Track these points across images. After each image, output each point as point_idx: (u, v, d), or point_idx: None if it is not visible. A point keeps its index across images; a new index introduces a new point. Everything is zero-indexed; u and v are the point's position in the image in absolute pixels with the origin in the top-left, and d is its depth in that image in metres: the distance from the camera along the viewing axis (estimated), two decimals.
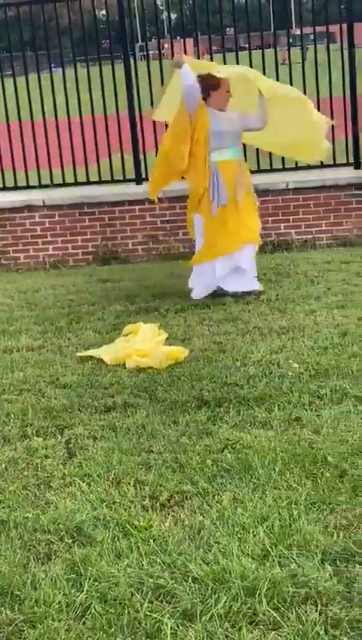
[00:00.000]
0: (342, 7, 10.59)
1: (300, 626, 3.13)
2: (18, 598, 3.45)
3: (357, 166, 10.37)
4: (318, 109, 10.06)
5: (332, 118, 10.06)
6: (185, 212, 10.15)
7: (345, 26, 10.29)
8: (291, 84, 9.78)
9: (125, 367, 6.11)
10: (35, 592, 3.47)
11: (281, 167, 10.45)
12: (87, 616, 3.30)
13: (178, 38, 13.93)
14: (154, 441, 4.85)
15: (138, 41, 22.90)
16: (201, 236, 7.97)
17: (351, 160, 10.40)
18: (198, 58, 10.43)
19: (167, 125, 8.61)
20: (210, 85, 7.78)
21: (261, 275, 8.16)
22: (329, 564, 3.50)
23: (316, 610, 3.22)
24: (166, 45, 13.84)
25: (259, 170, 10.21)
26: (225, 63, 10.06)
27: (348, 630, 3.11)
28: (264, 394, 5.38)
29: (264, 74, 9.15)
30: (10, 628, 3.26)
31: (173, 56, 10.50)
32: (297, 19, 14.93)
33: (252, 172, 8.84)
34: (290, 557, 3.56)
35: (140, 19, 13.34)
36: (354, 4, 10.41)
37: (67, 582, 3.51)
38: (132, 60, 10.69)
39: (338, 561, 3.53)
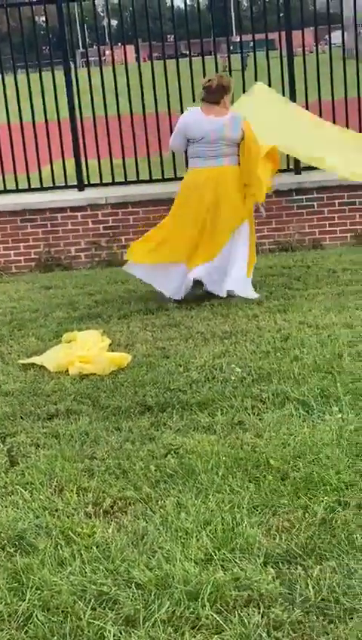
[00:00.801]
0: (281, 14, 10.70)
1: (243, 629, 3.14)
2: None
3: (297, 172, 10.45)
4: None
5: None
6: (127, 218, 10.20)
7: (283, 33, 10.39)
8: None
9: (68, 374, 6.08)
10: None
11: None
12: (29, 625, 3.27)
13: (119, 44, 13.93)
14: (98, 447, 4.83)
15: (79, 48, 22.86)
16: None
17: (292, 166, 10.49)
18: (139, 64, 10.44)
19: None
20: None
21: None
22: (272, 567, 3.51)
23: (258, 613, 3.23)
24: (107, 52, 13.82)
25: None
26: (165, 69, 10.10)
27: (290, 632, 3.12)
28: (207, 399, 5.39)
29: None
30: None
31: (113, 62, 10.51)
32: (237, 26, 15.02)
33: None
34: (233, 560, 3.56)
35: (80, 25, 13.28)
36: (292, 11, 10.52)
37: (9, 591, 3.47)
38: (72, 67, 10.68)
39: (280, 564, 3.54)
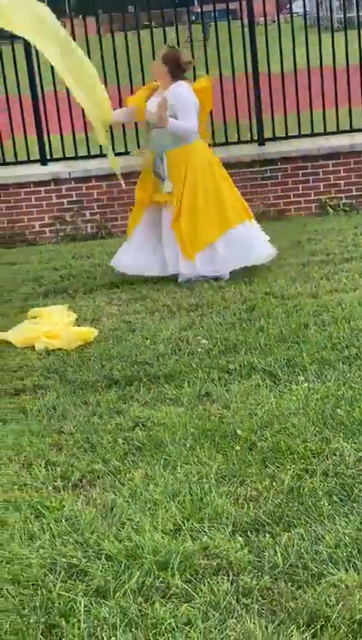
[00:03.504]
0: None
1: (212, 597, 3.17)
2: None
3: (261, 143, 10.45)
4: (221, 87, 10.17)
5: (235, 95, 10.16)
6: (91, 192, 10.15)
7: (245, 2, 10.34)
8: (193, 63, 9.80)
9: (34, 350, 6.07)
10: None
11: None
12: None
13: (80, 17, 13.77)
14: (65, 422, 4.84)
15: None
16: None
17: (255, 137, 10.48)
18: (100, 37, 10.34)
19: None
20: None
21: None
22: (240, 535, 3.55)
23: (228, 581, 3.26)
24: (67, 24, 13.68)
25: None
26: (126, 41, 10.03)
27: (259, 598, 3.16)
28: (174, 371, 5.41)
29: None
30: None
31: (74, 35, 10.40)
32: None
33: None
34: (202, 530, 3.59)
35: None
36: None
37: None
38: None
39: (248, 532, 3.58)
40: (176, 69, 7.60)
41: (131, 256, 7.73)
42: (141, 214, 7.80)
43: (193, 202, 7.51)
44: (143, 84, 8.94)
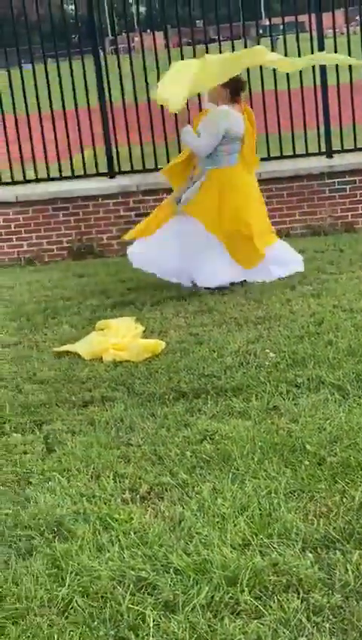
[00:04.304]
0: None
1: (282, 614, 3.13)
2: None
3: (329, 155, 10.39)
4: (290, 99, 10.16)
5: (303, 108, 10.11)
6: (156, 205, 10.18)
7: (313, 15, 10.31)
8: (261, 75, 9.83)
9: (102, 362, 6.09)
10: (17, 588, 3.45)
11: None
12: (69, 610, 3.29)
13: (148, 31, 13.88)
14: (133, 433, 4.84)
15: (108, 35, 22.82)
16: None
17: (324, 149, 10.42)
18: (168, 51, 10.38)
19: None
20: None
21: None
22: (310, 552, 3.50)
23: (298, 598, 3.22)
24: (136, 39, 13.78)
25: None
26: (194, 55, 10.05)
27: (330, 617, 3.11)
28: (241, 384, 5.37)
29: None
30: None
31: (143, 49, 10.47)
32: (266, 9, 14.91)
33: None
34: (271, 546, 3.55)
35: (109, 13, 13.25)
36: None
37: (48, 577, 3.50)
38: (102, 54, 10.66)
39: (318, 549, 3.53)
40: (235, 90, 7.80)
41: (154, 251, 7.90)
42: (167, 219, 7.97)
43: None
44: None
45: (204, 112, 8.22)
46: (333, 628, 3.06)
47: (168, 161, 10.53)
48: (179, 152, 10.37)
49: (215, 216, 7.77)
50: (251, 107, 8.35)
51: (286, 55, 10.03)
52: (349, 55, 10.09)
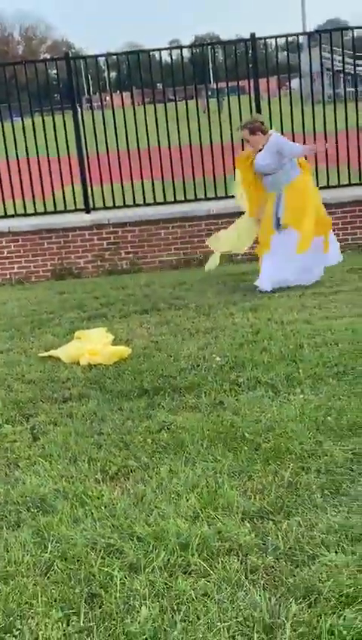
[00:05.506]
0: (250, 65, 10.68)
1: (225, 573, 3.15)
2: None
3: None
4: (222, 152, 10.16)
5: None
6: (126, 235, 10.20)
7: (252, 81, 10.38)
8: (209, 130, 9.87)
9: (79, 365, 6.07)
10: (7, 553, 3.43)
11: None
12: (50, 572, 3.27)
13: (117, 91, 13.88)
14: (104, 424, 4.83)
15: (84, 95, 22.77)
16: None
17: None
18: (133, 108, 10.41)
19: None
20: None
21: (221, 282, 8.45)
22: (248, 522, 3.52)
23: (238, 560, 3.24)
24: (107, 98, 13.79)
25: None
26: (155, 112, 10.08)
27: (264, 575, 3.14)
28: (193, 383, 5.38)
29: (187, 121, 9.28)
30: None
31: (113, 105, 10.49)
32: (214, 75, 14.97)
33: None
34: (216, 517, 3.57)
35: (85, 76, 13.24)
36: (259, 63, 10.51)
37: (33, 544, 3.48)
38: (79, 110, 10.66)
39: (255, 519, 3.55)
40: (264, 128, 8.08)
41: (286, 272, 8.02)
42: (269, 244, 8.04)
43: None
44: (169, 146, 8.97)
45: (247, 156, 8.19)
46: (266, 584, 3.08)
47: (134, 199, 10.57)
48: (143, 191, 10.41)
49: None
50: None
51: (229, 112, 10.16)
52: (280, 114, 10.20)
